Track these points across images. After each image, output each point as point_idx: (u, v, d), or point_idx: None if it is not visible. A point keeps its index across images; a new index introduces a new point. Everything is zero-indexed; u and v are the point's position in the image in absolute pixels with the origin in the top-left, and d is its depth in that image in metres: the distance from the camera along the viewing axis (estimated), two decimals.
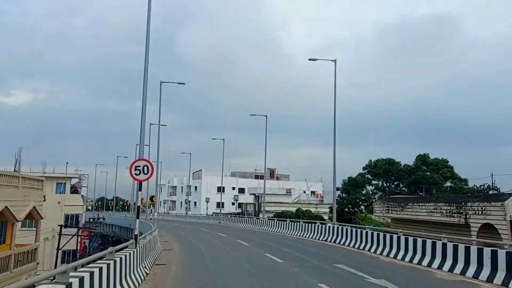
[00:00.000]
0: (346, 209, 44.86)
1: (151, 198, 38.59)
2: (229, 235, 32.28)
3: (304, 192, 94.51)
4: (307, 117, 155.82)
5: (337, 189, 66.80)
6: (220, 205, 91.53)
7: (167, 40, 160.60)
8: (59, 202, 43.38)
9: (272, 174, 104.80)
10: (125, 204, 57.91)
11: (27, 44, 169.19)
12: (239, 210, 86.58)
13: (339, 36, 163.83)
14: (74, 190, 56.29)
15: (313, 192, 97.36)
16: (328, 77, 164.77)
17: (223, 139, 55.76)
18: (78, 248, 43.69)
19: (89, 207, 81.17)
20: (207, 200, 62.37)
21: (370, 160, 48.28)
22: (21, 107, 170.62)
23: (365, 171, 47.94)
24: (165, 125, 55.99)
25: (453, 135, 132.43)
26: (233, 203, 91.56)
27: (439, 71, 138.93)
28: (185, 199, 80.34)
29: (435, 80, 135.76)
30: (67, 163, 46.36)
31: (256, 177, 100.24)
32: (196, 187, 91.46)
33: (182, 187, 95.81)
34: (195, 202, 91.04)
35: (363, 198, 43.86)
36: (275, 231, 35.66)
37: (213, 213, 75.58)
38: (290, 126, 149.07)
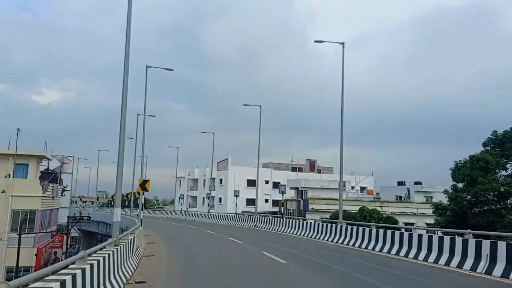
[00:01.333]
0: (468, 210, 27.09)
1: (143, 185, 21.88)
2: (296, 260, 15.31)
3: (352, 188, 76.66)
4: (335, 114, 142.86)
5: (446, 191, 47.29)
6: (254, 202, 74.32)
7: (193, 36, 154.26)
8: (3, 191, 27.29)
9: (312, 167, 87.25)
10: (126, 198, 41.88)
11: (57, 44, 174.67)
12: (274, 209, 69.53)
13: (370, 29, 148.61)
14: (53, 177, 40.46)
15: (363, 188, 79.49)
16: (357, 73, 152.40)
17: (260, 106, 38.83)
18: (35, 263, 27.48)
19: (79, 201, 65.74)
20: (237, 194, 45.56)
21: (495, 132, 30.13)
22: (51, 106, 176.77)
23: (488, 147, 29.88)
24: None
25: None
26: (266, 200, 74.63)
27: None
28: (207, 194, 63.61)
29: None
30: (18, 129, 30.02)
31: (294, 169, 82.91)
32: (221, 179, 74.78)
33: (204, 180, 79.33)
34: (220, 198, 74.39)
35: (503, 190, 25.82)
36: (360, 245, 18.71)
37: (243, 212, 59.07)
38: (319, 123, 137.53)
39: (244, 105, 38.95)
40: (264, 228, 34.17)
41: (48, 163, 40.79)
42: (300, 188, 56.71)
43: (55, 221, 34.77)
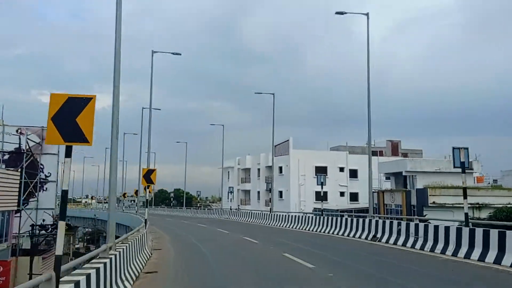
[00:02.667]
0: None
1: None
2: None
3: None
4: (380, 107, 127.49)
5: None
6: (325, 196, 57.52)
7: (233, 31, 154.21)
8: None
9: (395, 149, 68.37)
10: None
11: (104, 49, 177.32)
12: (353, 204, 51.85)
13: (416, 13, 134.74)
14: (13, 161, 25.20)
15: None
16: (402, 62, 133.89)
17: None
18: None
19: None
20: (322, 181, 28.33)
21: None
22: (105, 110, 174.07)
23: None
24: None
25: None
26: (341, 193, 56.90)
27: None
28: (267, 185, 46.67)
29: None
30: None
31: (372, 153, 64.14)
32: (280, 168, 57.73)
33: (258, 169, 62.63)
34: (280, 192, 57.40)
35: None
36: None
37: (316, 210, 42.47)
38: (364, 117, 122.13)
39: (337, 12, 21.43)
40: (402, 245, 16.78)
41: (19, 139, 25.47)
42: (404, 173, 38.67)
43: (6, 234, 19.27)
